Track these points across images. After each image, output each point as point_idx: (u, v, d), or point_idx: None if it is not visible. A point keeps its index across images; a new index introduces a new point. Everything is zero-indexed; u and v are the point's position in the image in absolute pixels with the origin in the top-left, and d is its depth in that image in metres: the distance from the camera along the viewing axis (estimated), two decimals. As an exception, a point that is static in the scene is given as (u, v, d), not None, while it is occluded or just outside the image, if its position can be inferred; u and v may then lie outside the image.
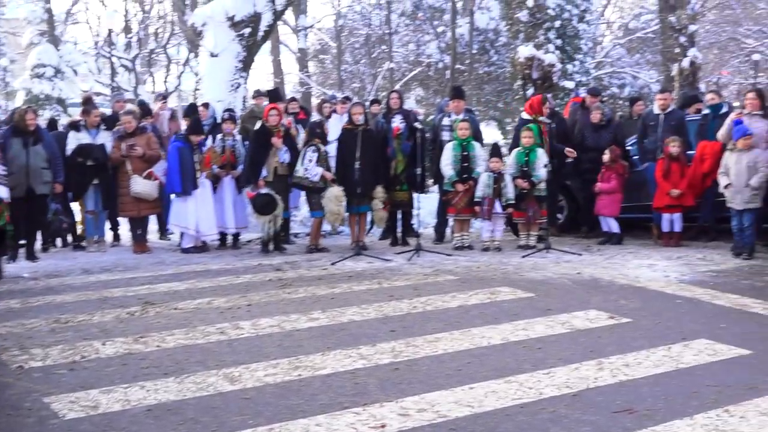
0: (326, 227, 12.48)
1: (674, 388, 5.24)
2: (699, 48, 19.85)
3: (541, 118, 11.69)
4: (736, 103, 11.32)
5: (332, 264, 10.29)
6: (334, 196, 10.98)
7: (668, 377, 5.48)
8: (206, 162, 11.39)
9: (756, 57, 32.47)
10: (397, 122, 11.44)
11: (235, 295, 8.42)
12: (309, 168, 11.07)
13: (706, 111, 11.88)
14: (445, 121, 12.01)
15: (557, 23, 20.31)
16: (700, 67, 20.00)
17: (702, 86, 21.09)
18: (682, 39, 18.36)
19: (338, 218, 11.16)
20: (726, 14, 35.86)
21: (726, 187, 10.23)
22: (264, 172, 11.08)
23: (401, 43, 32.35)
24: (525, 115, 11.86)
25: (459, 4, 27.99)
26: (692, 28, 18.64)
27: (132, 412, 4.96)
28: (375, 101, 14.62)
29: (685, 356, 5.95)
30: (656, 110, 12.07)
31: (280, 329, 6.92)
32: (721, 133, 10.57)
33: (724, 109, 11.49)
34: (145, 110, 12.98)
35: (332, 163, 11.35)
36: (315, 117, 13.61)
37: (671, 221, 11.35)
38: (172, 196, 11.60)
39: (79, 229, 12.30)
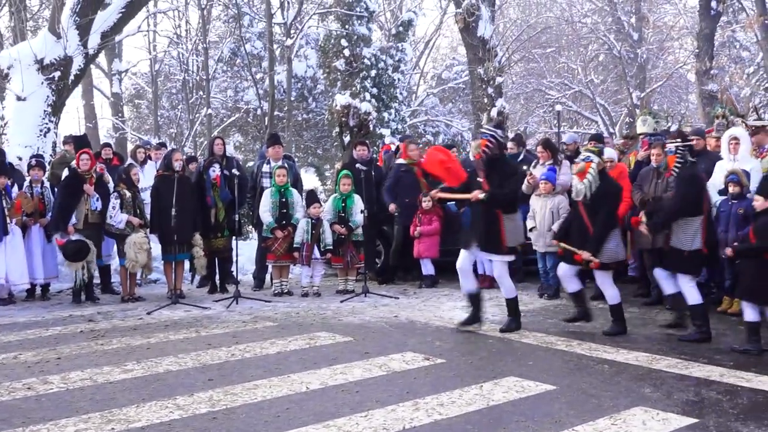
0: (151, 275, 12.23)
1: (485, 425, 5.45)
2: (506, 98, 20.89)
3: (357, 165, 11.94)
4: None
5: (148, 313, 10.03)
6: (134, 243, 10.78)
7: (480, 415, 5.68)
8: (17, 208, 10.89)
9: (558, 108, 34.43)
10: (217, 171, 11.40)
11: (44, 348, 8.05)
12: (113, 215, 10.85)
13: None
14: (265, 168, 12.04)
15: (373, 72, 20.86)
16: (508, 117, 21.04)
17: (510, 134, 22.16)
18: (491, 90, 19.27)
19: (137, 265, 10.93)
20: (531, 67, 37.93)
21: (531, 230, 10.73)
22: (74, 219, 10.72)
23: (219, 89, 32.22)
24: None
25: (277, 52, 28.22)
26: (499, 79, 19.61)
27: (-73, 477, 4.65)
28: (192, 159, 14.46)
29: (495, 394, 6.19)
30: (472, 157, 12.58)
31: (92, 382, 6.68)
32: (523, 187, 11.11)
33: (521, 157, 12.08)
34: None
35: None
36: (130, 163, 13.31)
37: (483, 263, 11.77)
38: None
39: None
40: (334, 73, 20.96)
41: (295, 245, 11.27)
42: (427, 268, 12.05)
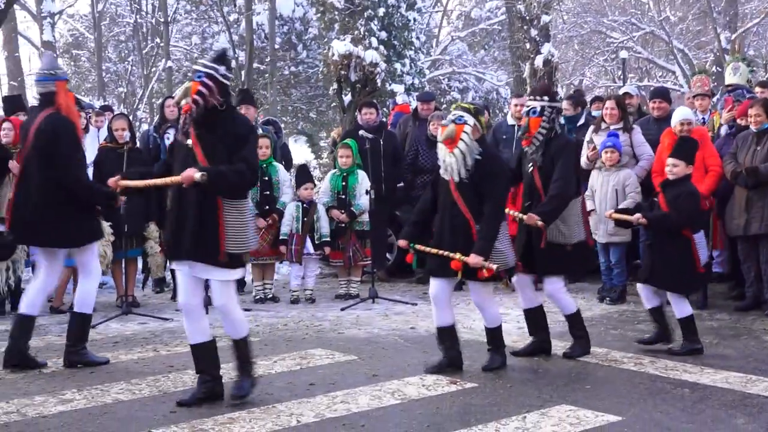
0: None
1: (529, 467, 5.46)
2: (555, 43, 20.83)
3: (362, 132, 11.96)
4: (596, 112, 11.94)
5: (92, 327, 10.06)
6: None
7: (522, 454, 5.70)
8: None
9: (624, 54, 34.24)
10: (172, 138, 11.39)
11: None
12: None
13: (561, 121, 12.46)
14: (238, 135, 12.01)
15: (381, 11, 20.74)
16: (558, 67, 20.97)
17: (560, 90, 22.11)
18: (534, 32, 19.19)
19: (104, 262, 10.93)
20: (587, 1, 37.76)
21: (589, 213, 10.71)
22: (-6, 207, 10.76)
23: (182, 35, 32.21)
24: None
25: (256, -15, 28.16)
26: (546, 18, 19.52)
27: None
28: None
29: (543, 427, 6.19)
30: (510, 120, 12.57)
31: (20, 416, 6.70)
32: (583, 161, 11.11)
33: (582, 121, 12.08)
34: None
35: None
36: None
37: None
38: None
39: None
40: (331, 13, 20.93)
41: (281, 237, 11.29)
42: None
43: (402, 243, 7.87)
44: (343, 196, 11.46)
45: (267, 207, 11.32)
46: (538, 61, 19.16)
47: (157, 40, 30.40)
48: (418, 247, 7.72)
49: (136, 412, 6.73)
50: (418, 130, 12.99)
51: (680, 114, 10.46)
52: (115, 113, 13.39)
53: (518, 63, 20.13)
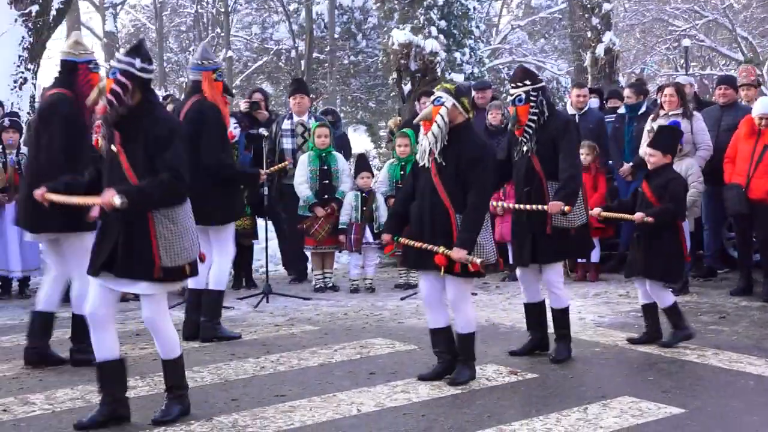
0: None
1: (591, 458, 5.42)
2: (617, 32, 20.61)
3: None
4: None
5: (225, 308, 10.06)
6: None
7: (584, 446, 5.67)
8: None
9: (686, 42, 33.85)
10: (231, 127, 11.41)
11: (23, 359, 8.19)
12: None
13: (622, 110, 12.36)
14: (286, 125, 11.99)
15: (441, 0, 20.65)
16: (619, 55, 20.77)
17: (622, 79, 21.91)
18: (596, 21, 19.02)
19: None
20: (649, -11, 37.35)
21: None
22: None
23: (242, 24, 32.35)
24: None
25: (316, -25, 28.20)
26: (607, 6, 19.33)
27: None
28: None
29: (604, 419, 6.15)
30: (570, 110, 12.47)
31: (84, 403, 6.77)
32: (642, 151, 11.01)
33: (643, 109, 11.94)
34: None
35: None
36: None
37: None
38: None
39: None
40: (390, 2, 20.91)
41: (340, 226, 11.31)
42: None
43: (386, 238, 7.41)
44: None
45: (326, 196, 11.34)
46: (599, 49, 19.00)
47: (218, 30, 30.59)
48: (401, 240, 7.20)
49: (198, 400, 6.76)
50: (476, 119, 12.90)
51: (760, 107, 10.27)
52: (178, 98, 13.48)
53: (579, 52, 19.95)
